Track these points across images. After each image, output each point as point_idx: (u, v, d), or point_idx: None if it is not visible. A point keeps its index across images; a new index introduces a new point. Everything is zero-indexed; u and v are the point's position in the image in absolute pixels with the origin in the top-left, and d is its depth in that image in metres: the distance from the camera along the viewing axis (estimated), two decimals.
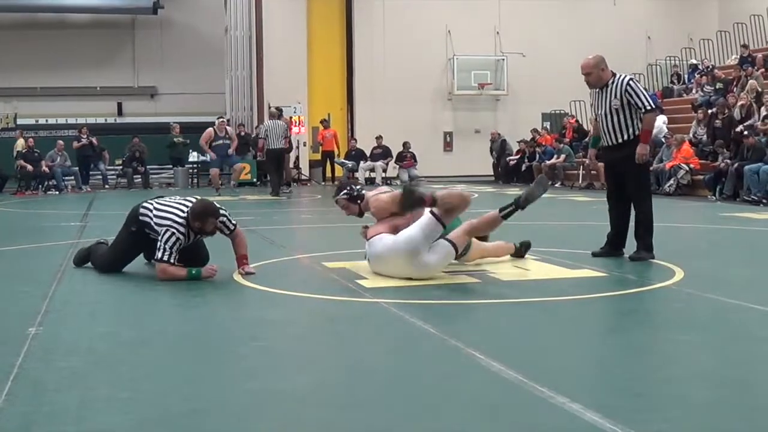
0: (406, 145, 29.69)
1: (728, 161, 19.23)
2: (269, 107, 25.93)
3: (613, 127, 8.98)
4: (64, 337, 5.64)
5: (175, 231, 7.80)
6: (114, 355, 5.17)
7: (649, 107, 8.86)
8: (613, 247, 9.15)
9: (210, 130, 21.82)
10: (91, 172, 27.61)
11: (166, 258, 7.76)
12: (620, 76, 9.02)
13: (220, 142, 21.62)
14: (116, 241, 8.55)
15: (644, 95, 8.92)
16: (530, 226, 13.73)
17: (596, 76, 9.09)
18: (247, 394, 4.29)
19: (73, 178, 26.81)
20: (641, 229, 9.05)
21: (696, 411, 3.99)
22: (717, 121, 22.24)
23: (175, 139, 28.71)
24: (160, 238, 7.82)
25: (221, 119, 22.60)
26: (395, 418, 3.92)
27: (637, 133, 8.92)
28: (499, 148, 29.78)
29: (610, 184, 9.65)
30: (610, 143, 9.12)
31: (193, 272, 7.80)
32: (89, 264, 8.64)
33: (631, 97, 8.80)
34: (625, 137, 8.95)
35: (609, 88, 8.95)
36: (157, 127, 31.97)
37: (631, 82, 8.91)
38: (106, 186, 27.54)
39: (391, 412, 4.02)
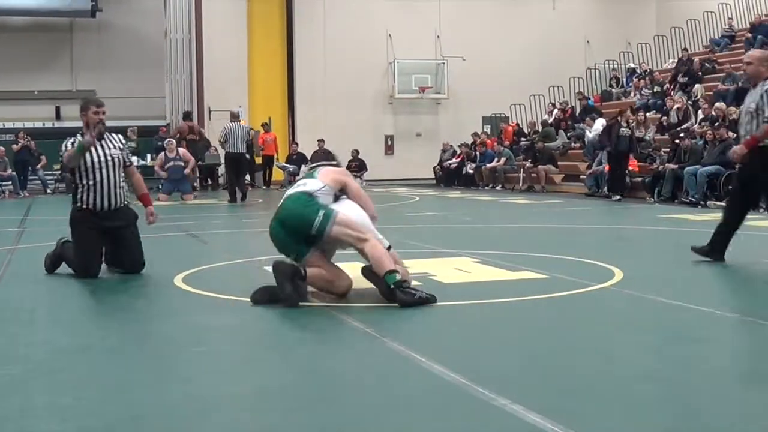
0: (354, 153, 29.79)
1: (667, 164, 19.45)
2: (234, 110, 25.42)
3: (745, 128, 8.83)
4: (1, 344, 5.57)
5: (66, 142, 8.43)
6: (53, 363, 5.11)
7: None
8: (716, 251, 8.97)
9: (161, 155, 21.81)
10: (29, 177, 27.31)
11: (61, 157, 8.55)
12: None
13: (172, 163, 21.52)
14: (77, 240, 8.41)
15: None
16: (471, 229, 13.82)
17: (755, 69, 8.82)
18: (190, 400, 4.26)
19: (10, 183, 26.48)
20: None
21: (637, 411, 4.02)
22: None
23: (128, 144, 28.41)
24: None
25: (169, 141, 22.40)
26: (338, 421, 3.92)
27: None
28: (450, 156, 29.88)
29: (735, 182, 9.54)
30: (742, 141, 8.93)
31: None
32: (61, 268, 8.52)
33: (763, 101, 8.59)
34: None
35: (757, 88, 8.77)
36: None
37: None
38: (48, 191, 27.25)
39: (333, 415, 4.02)
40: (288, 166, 28.26)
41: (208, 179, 28.75)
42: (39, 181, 27.69)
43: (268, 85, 31.21)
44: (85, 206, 8.29)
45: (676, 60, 28.88)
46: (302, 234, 6.80)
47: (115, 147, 8.49)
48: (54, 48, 33.18)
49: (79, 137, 8.35)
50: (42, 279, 8.38)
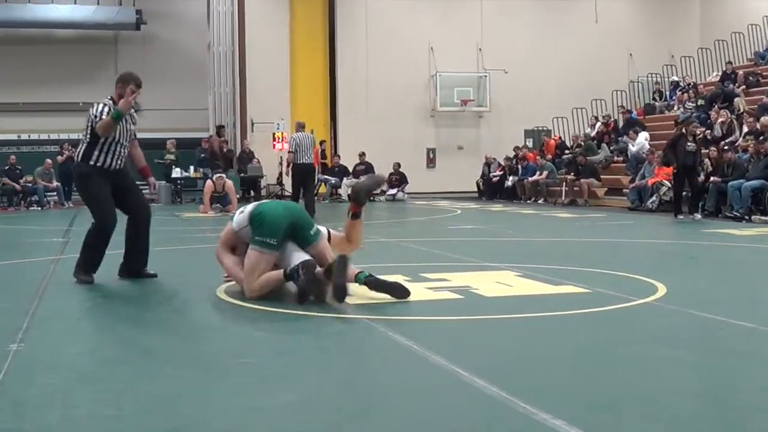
0: (395, 166, 29.88)
1: (711, 178, 19.28)
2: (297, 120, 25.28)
3: None
4: (45, 354, 5.61)
5: (102, 104, 8.87)
6: (96, 373, 5.14)
7: None
8: None
9: (210, 183, 21.96)
10: (74, 188, 27.55)
11: (94, 123, 8.80)
12: None
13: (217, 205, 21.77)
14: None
15: None
16: (513, 243, 13.77)
17: None
18: (232, 411, 4.27)
19: (56, 194, 26.75)
20: None
21: (678, 428, 3.99)
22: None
23: (167, 156, 28.62)
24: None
25: (219, 176, 22.51)
26: None
27: None
28: (493, 170, 29.86)
29: None
30: None
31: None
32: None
33: None
34: None
35: None
36: (140, 143, 31.82)
37: None
38: None
39: (375, 429, 4.01)
40: (330, 178, 28.36)
41: (251, 191, 28.89)
42: None
43: (310, 98, 31.30)
44: (99, 164, 8.84)
45: (720, 73, 28.67)
46: (300, 229, 7.68)
47: (133, 122, 9.17)
48: (99, 60, 33.48)
49: (111, 104, 8.88)
50: (84, 289, 8.44)
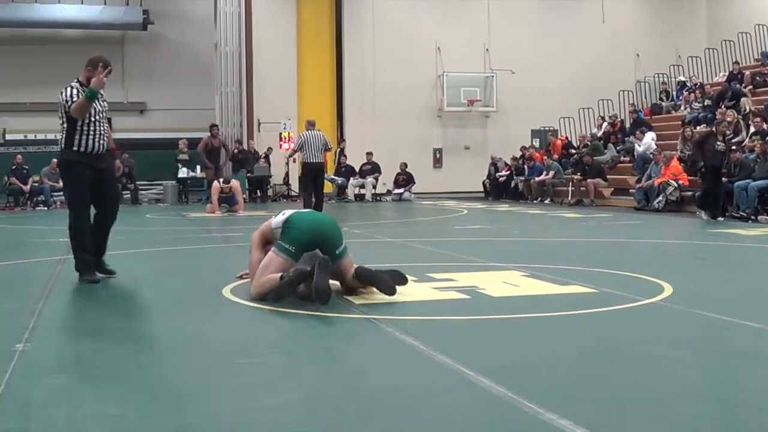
0: (402, 166, 29.90)
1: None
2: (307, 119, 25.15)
3: None
4: (51, 353, 5.62)
5: (69, 87, 8.91)
6: (101, 372, 5.14)
7: None
8: None
9: (217, 184, 22.05)
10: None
11: (66, 109, 8.86)
12: None
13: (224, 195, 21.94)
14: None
15: None
16: (520, 243, 13.77)
17: None
18: (236, 411, 4.27)
19: (62, 194, 26.75)
20: None
21: (684, 428, 3.98)
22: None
23: (180, 156, 28.61)
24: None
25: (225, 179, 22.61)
26: None
27: None
28: (500, 169, 29.87)
29: None
30: None
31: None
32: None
33: None
34: None
35: None
36: (147, 142, 31.96)
37: None
38: None
39: (379, 428, 4.01)
40: (336, 178, 28.34)
41: (257, 191, 28.90)
42: None
43: (317, 99, 31.30)
44: (83, 149, 8.91)
45: (726, 73, 28.62)
46: (326, 246, 7.61)
47: (105, 100, 9.23)
48: None
49: (79, 86, 8.95)
50: (90, 289, 8.45)
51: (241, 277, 8.39)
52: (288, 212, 7.95)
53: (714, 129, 18.79)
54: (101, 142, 9.03)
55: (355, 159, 30.19)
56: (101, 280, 8.71)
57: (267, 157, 29.43)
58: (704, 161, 18.38)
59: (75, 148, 8.92)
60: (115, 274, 9.06)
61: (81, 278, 8.81)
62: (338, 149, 30.04)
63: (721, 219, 17.73)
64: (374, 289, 7.54)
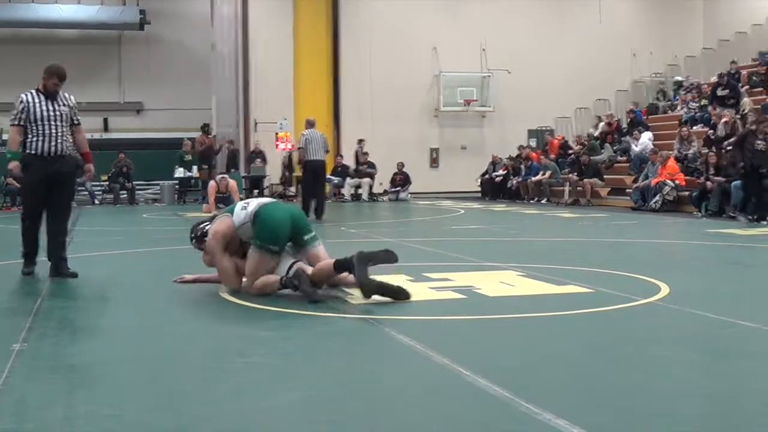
0: (399, 165, 29.92)
1: (713, 178, 19.25)
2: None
3: None
4: (48, 353, 5.61)
5: (21, 96, 9.32)
6: (98, 372, 5.14)
7: None
8: None
9: (213, 183, 21.90)
10: (77, 188, 27.55)
11: (11, 120, 9.27)
12: None
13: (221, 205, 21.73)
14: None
15: None
16: (516, 242, 13.77)
17: None
18: (234, 411, 4.26)
19: None
20: None
21: (681, 427, 3.98)
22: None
23: (185, 157, 28.54)
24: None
25: (222, 177, 22.39)
26: None
27: None
28: (494, 169, 29.88)
29: None
30: None
31: (9, 155, 9.20)
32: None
33: None
34: None
35: None
36: (144, 142, 31.97)
37: None
38: (95, 202, 27.51)
39: (379, 428, 4.01)
40: (333, 178, 28.34)
41: (255, 191, 28.89)
42: (86, 192, 27.94)
43: (313, 99, 31.24)
44: (34, 152, 9.20)
45: (725, 73, 28.66)
46: (296, 234, 7.83)
47: (65, 105, 9.42)
48: (102, 60, 33.60)
49: (30, 96, 9.35)
50: (86, 290, 8.48)
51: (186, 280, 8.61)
52: (250, 206, 7.95)
53: (754, 128, 17.93)
54: (53, 145, 9.24)
55: (351, 159, 30.21)
56: (111, 280, 8.70)
57: (263, 155, 29.41)
58: (744, 161, 17.62)
59: (28, 151, 9.24)
60: (76, 276, 9.17)
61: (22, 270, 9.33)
62: (358, 148, 30.07)
63: (765, 222, 16.84)
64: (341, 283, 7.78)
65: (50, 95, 9.31)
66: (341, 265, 7.44)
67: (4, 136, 31.76)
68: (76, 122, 9.60)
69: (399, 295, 7.36)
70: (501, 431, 3.98)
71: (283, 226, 7.73)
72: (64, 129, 9.37)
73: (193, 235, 8.55)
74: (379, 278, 7.49)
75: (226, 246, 7.98)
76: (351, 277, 7.45)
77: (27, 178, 9.42)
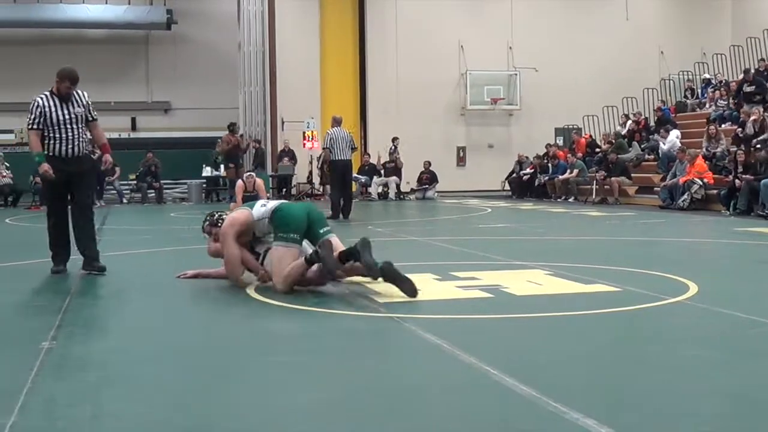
0: (426, 164, 29.89)
1: (742, 176, 19.13)
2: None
3: None
4: (77, 351, 5.65)
5: (35, 100, 9.44)
6: (126, 370, 5.17)
7: None
8: None
9: (241, 183, 21.89)
10: (105, 187, 27.70)
11: (28, 124, 9.43)
12: None
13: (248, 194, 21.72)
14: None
15: None
16: (544, 241, 13.74)
17: None
18: (259, 410, 4.28)
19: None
20: None
21: (707, 427, 3.96)
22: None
23: (218, 158, 28.53)
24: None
25: (249, 175, 22.36)
26: None
27: None
28: (520, 168, 29.79)
29: None
30: None
31: (37, 158, 9.33)
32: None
33: None
34: None
35: None
36: (171, 141, 32.10)
37: None
38: (123, 201, 27.65)
39: (403, 427, 4.01)
40: (360, 177, 28.34)
41: (282, 190, 28.94)
42: (115, 192, 28.08)
43: (340, 97, 31.28)
44: (52, 153, 9.41)
45: (753, 70, 28.45)
46: (312, 225, 8.03)
47: (79, 105, 9.59)
48: (130, 60, 33.73)
49: (44, 98, 9.49)
50: (114, 288, 8.52)
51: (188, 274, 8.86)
52: (269, 204, 8.27)
53: None
54: (70, 147, 9.46)
55: (385, 156, 30.25)
56: (142, 278, 8.76)
57: (291, 154, 29.44)
58: None
59: (47, 152, 9.43)
60: (105, 269, 9.39)
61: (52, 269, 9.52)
62: (392, 147, 30.07)
63: None
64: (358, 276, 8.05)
65: (63, 98, 9.48)
66: (347, 255, 7.65)
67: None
68: (91, 119, 9.77)
69: (405, 284, 7.41)
70: (528, 430, 3.97)
71: (301, 217, 8.00)
72: (81, 130, 9.59)
73: (207, 220, 8.75)
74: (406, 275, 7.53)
75: (238, 235, 8.18)
76: (358, 264, 7.67)
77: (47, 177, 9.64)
